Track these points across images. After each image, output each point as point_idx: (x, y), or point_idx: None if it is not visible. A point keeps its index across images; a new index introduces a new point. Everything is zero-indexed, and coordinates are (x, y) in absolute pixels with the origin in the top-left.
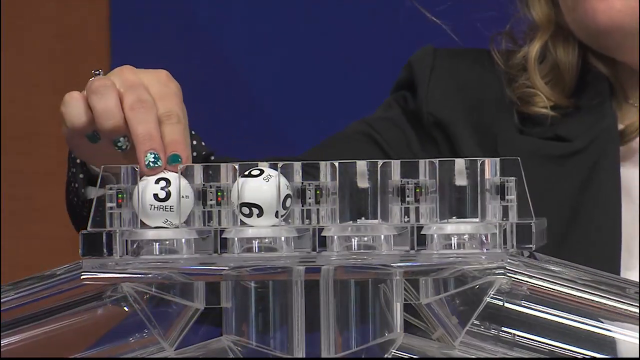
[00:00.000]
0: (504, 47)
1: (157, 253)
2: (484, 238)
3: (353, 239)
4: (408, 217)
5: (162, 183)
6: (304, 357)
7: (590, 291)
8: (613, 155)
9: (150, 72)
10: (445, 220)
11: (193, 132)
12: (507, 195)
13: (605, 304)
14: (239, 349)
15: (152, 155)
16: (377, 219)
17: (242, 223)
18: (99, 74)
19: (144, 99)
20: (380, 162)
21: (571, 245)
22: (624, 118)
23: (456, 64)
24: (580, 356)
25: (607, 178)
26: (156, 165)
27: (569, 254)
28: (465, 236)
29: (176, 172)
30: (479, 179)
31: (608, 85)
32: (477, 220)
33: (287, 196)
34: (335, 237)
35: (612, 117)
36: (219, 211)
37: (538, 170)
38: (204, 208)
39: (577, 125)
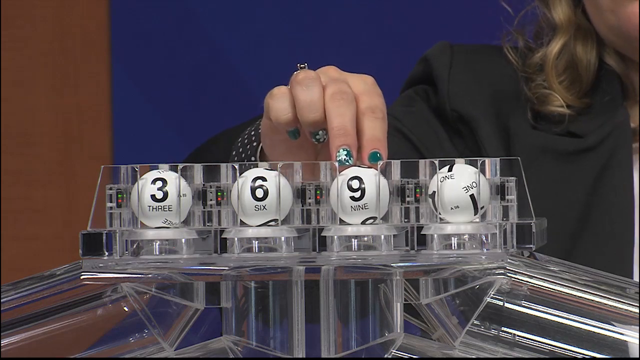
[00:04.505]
0: (521, 45)
1: (157, 253)
2: (484, 238)
3: (353, 239)
4: (408, 217)
5: (159, 183)
6: (304, 357)
7: (590, 291)
8: (626, 152)
9: (356, 74)
10: (446, 220)
11: None
12: (507, 195)
13: (605, 304)
14: (239, 349)
15: (345, 152)
16: None
17: (241, 224)
18: (304, 67)
19: (345, 91)
20: (380, 162)
21: (584, 241)
22: (635, 116)
23: (473, 60)
24: (580, 356)
25: (620, 175)
26: (348, 162)
27: (582, 250)
28: (465, 236)
29: (375, 169)
30: None
31: (620, 83)
32: (477, 220)
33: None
34: (335, 237)
35: (624, 115)
36: (219, 211)
37: (550, 165)
38: (204, 208)
39: (589, 122)
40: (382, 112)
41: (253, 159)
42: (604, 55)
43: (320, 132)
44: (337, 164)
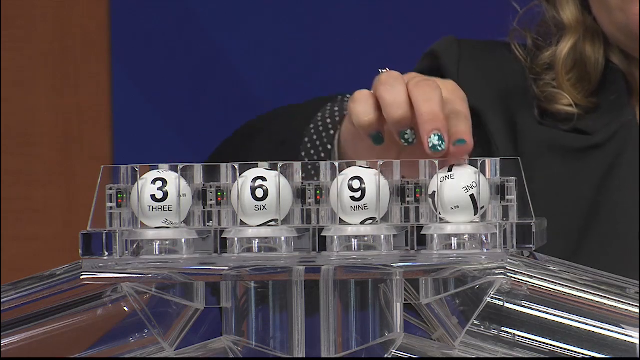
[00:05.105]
0: (529, 43)
1: (157, 253)
2: (484, 238)
3: (353, 239)
4: (408, 217)
5: (159, 183)
6: (304, 357)
7: (590, 291)
8: (633, 150)
9: (439, 79)
10: (446, 220)
11: None
12: (507, 195)
13: (605, 304)
14: (239, 349)
15: (437, 137)
16: None
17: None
18: (386, 71)
19: (430, 80)
20: (380, 161)
21: (589, 241)
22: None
23: (479, 56)
24: (580, 356)
25: (627, 174)
26: (440, 148)
27: (587, 249)
28: (465, 236)
29: (462, 158)
30: None
31: (625, 82)
32: (477, 220)
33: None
34: (335, 237)
35: (631, 113)
36: (219, 211)
37: (557, 163)
38: (204, 208)
39: (596, 121)
40: (466, 116)
41: (329, 147)
42: (609, 54)
43: (409, 131)
44: (429, 151)
